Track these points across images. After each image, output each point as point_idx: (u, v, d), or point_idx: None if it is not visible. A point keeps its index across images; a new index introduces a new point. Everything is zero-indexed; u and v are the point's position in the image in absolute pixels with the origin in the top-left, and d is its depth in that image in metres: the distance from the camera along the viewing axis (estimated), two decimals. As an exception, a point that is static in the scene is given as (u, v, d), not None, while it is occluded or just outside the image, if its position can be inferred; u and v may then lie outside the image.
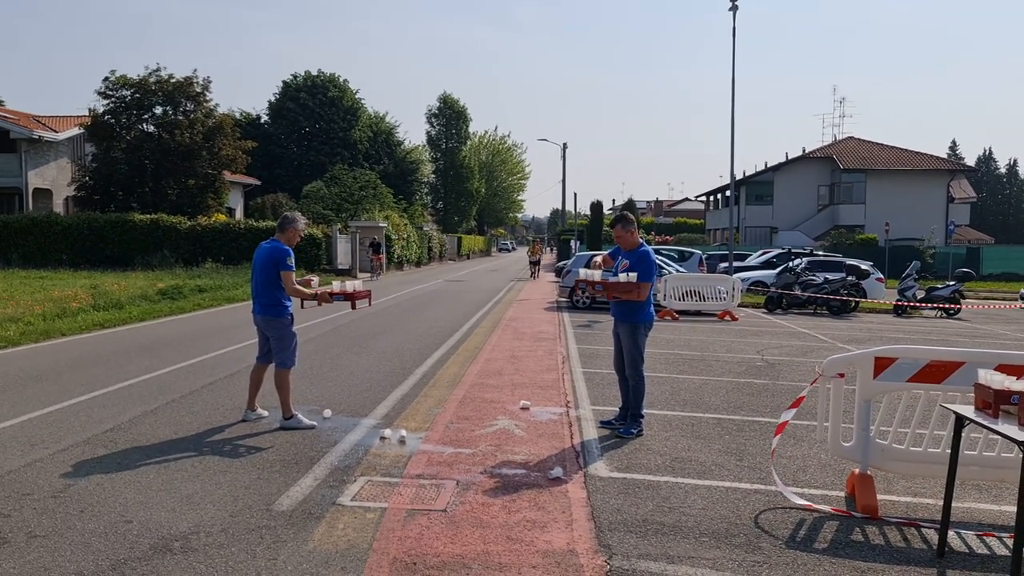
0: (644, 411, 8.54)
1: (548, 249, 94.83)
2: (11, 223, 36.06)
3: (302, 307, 8.93)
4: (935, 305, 24.19)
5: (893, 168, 56.20)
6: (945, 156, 79.97)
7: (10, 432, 7.97)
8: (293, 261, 8.37)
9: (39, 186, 41.05)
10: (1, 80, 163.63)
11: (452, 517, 5.75)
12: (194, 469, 6.83)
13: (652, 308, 8.59)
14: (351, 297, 8.71)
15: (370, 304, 9.14)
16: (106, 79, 40.02)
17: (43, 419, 8.53)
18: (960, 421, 5.18)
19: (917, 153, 58.83)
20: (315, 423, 8.40)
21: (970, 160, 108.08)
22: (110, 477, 6.57)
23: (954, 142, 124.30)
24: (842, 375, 6.34)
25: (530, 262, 44.63)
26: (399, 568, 4.87)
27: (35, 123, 41.85)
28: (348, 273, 38.69)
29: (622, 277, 8.39)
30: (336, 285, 8.79)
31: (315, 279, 8.99)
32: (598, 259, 8.99)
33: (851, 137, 63.54)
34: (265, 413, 8.69)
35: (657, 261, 9.13)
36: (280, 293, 8.35)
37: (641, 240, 8.70)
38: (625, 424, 8.41)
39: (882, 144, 60.56)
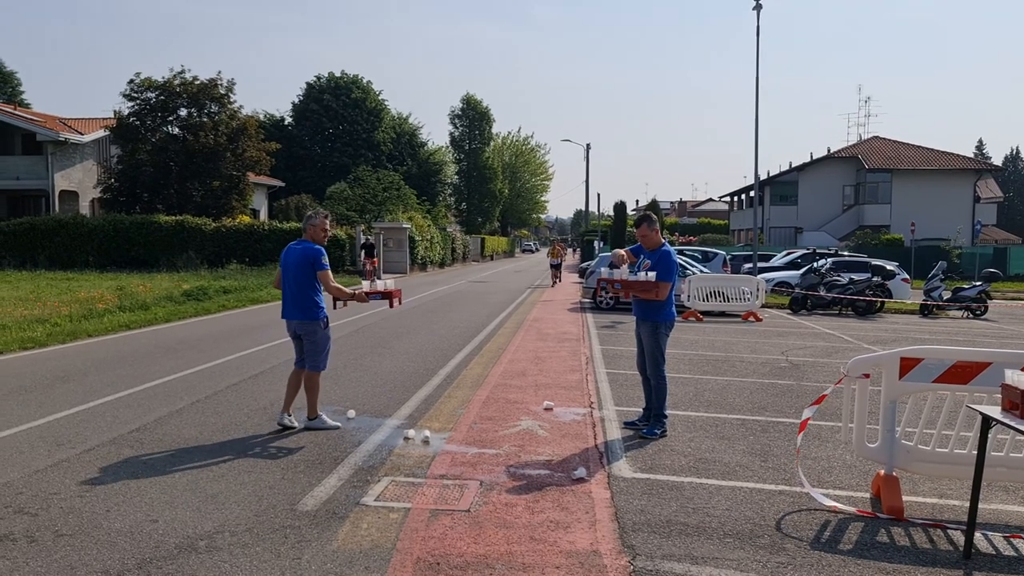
0: (667, 411, 8.51)
1: (572, 250, 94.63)
2: (38, 224, 36.45)
3: (334, 307, 8.96)
4: (961, 306, 23.97)
5: (919, 168, 55.76)
6: (972, 155, 79.28)
7: (37, 432, 8.05)
8: (328, 260, 8.28)
9: (65, 188, 41.47)
10: (28, 83, 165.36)
11: (476, 517, 5.76)
12: (219, 469, 6.87)
13: (673, 308, 8.55)
14: (388, 296, 8.71)
15: (400, 303, 9.12)
16: (131, 81, 40.39)
17: (69, 419, 8.61)
18: (987, 422, 5.14)
19: (943, 152, 58.36)
20: (339, 424, 8.41)
21: (997, 159, 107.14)
22: (136, 477, 6.62)
23: (981, 141, 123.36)
24: (867, 376, 6.29)
25: (551, 265, 38.69)
26: (423, 568, 4.88)
27: (61, 125, 42.28)
28: (372, 274, 38.82)
29: (641, 276, 8.38)
30: (366, 285, 8.79)
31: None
32: (621, 252, 8.93)
33: (876, 136, 63.11)
34: (297, 424, 8.39)
35: (679, 262, 9.13)
36: (316, 295, 8.22)
37: (664, 240, 8.67)
38: (649, 425, 8.39)
39: (908, 143, 60.13)
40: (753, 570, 4.93)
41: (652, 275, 8.30)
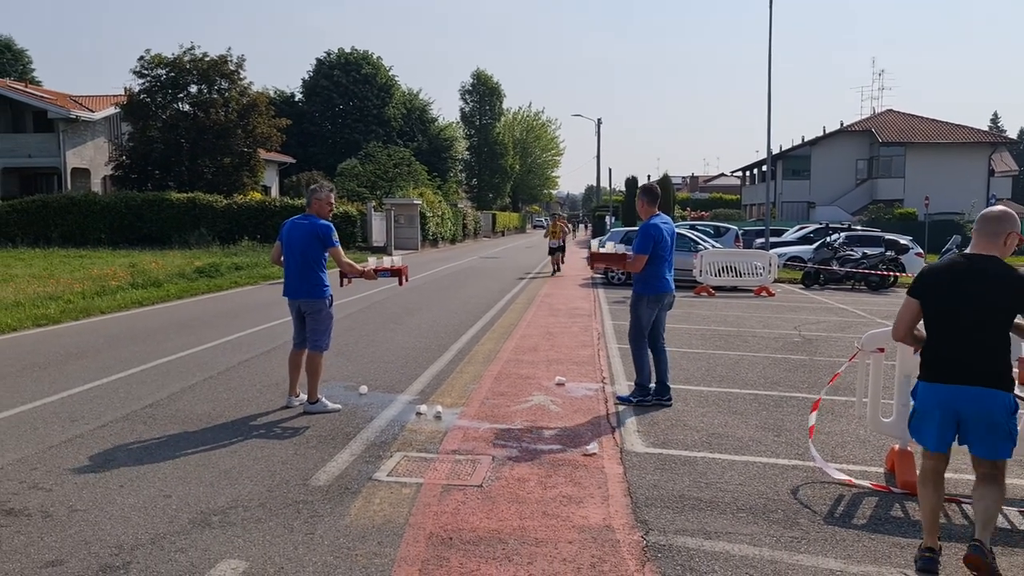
0: (651, 383, 8.60)
1: (583, 226, 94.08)
2: (50, 202, 36.48)
3: (341, 284, 8.90)
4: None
5: (933, 141, 55.32)
6: (986, 128, 78.54)
7: (51, 408, 8.08)
8: (337, 236, 8.11)
9: (77, 165, 41.52)
10: (39, 61, 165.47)
11: (488, 492, 5.76)
12: (232, 445, 6.89)
13: (660, 282, 8.49)
14: (397, 273, 8.65)
15: (407, 279, 9.04)
16: (141, 58, 40.32)
17: (83, 395, 8.64)
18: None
19: (957, 126, 57.85)
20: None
21: (1012, 132, 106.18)
22: (149, 452, 6.64)
23: (996, 114, 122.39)
24: (882, 350, 6.25)
25: (551, 249, 28.73)
26: (435, 543, 4.88)
27: (72, 103, 42.28)
28: (383, 250, 38.77)
29: (608, 247, 8.70)
30: (372, 261, 8.73)
31: None
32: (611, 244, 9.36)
33: (890, 110, 62.57)
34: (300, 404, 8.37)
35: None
36: (322, 272, 8.04)
37: (656, 212, 8.63)
38: (646, 396, 8.54)
39: (922, 117, 59.63)
40: (767, 545, 4.92)
41: (620, 247, 8.71)
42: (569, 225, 47.46)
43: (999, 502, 4.65)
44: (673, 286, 8.65)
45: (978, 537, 4.57)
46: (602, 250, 9.10)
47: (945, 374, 4.67)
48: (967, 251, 4.79)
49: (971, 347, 4.60)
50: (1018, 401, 4.91)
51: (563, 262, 29.01)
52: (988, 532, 4.57)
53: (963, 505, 5.62)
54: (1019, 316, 4.63)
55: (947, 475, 6.21)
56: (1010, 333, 4.69)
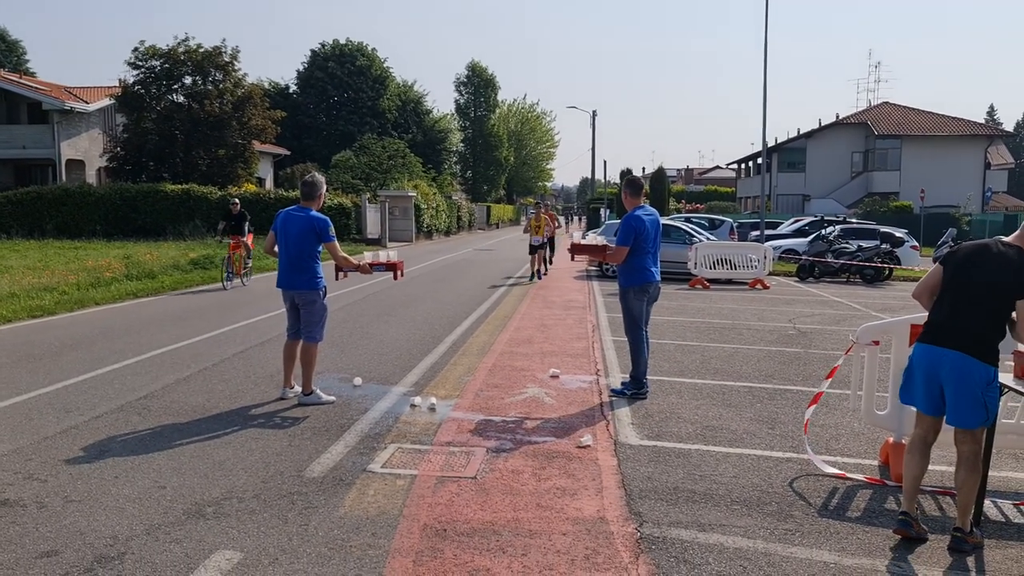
0: (647, 377, 8.65)
1: (576, 219, 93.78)
2: (45, 194, 36.36)
3: (336, 278, 8.89)
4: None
5: (929, 134, 55.36)
6: (983, 121, 78.50)
7: (46, 399, 8.07)
8: (334, 230, 8.07)
9: (72, 157, 41.37)
10: (33, 52, 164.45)
11: (482, 484, 5.76)
12: (226, 436, 6.88)
13: (643, 273, 8.52)
14: (393, 267, 8.64)
15: (402, 274, 9.00)
16: (135, 49, 40.09)
17: (78, 386, 8.63)
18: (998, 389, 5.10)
19: (954, 118, 57.89)
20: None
21: (1008, 125, 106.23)
22: (144, 443, 6.63)
23: (992, 107, 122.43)
24: (877, 343, 6.26)
25: (531, 248, 22.76)
26: (429, 534, 4.88)
27: (67, 94, 42.10)
28: (378, 243, 38.71)
29: (589, 238, 8.84)
30: (369, 256, 8.71)
31: None
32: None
33: (886, 102, 62.55)
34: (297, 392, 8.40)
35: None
36: (316, 264, 8.03)
37: (641, 204, 8.67)
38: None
39: (918, 109, 59.65)
40: (760, 537, 4.93)
41: (600, 238, 9.07)
42: (560, 219, 44.08)
43: (973, 488, 4.85)
44: (658, 276, 8.68)
45: (957, 525, 4.85)
46: (583, 241, 9.22)
47: (936, 336, 4.95)
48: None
49: (967, 316, 4.85)
50: (1002, 383, 4.94)
51: (547, 265, 24.17)
52: (966, 518, 4.84)
53: (957, 498, 5.63)
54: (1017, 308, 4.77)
55: (940, 468, 6.26)
56: (1008, 325, 4.86)
